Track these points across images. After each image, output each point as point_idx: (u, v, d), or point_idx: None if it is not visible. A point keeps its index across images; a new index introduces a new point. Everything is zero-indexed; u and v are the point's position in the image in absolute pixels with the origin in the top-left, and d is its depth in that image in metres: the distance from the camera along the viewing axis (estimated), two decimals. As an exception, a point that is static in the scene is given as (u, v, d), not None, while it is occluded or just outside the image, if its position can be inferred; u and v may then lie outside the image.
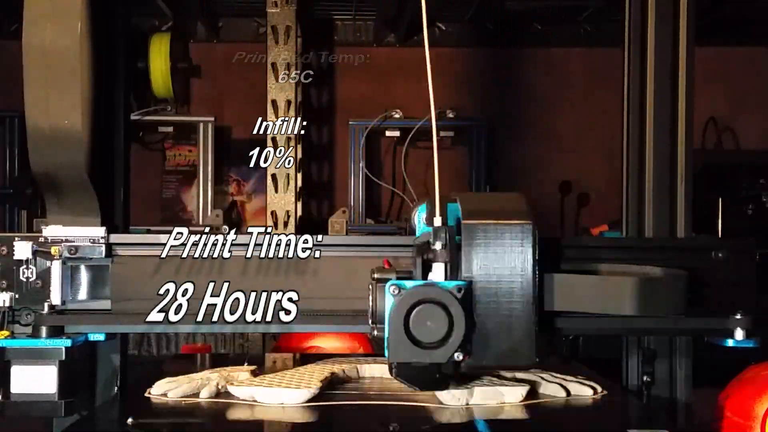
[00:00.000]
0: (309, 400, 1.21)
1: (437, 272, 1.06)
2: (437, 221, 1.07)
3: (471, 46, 3.81)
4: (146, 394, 1.27)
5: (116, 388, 1.39)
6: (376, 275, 1.07)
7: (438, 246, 1.06)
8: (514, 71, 3.87)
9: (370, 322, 1.07)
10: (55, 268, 1.27)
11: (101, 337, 1.28)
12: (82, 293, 1.30)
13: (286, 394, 1.21)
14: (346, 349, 1.86)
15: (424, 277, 1.06)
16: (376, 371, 1.41)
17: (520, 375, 1.30)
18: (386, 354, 1.03)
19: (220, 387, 1.28)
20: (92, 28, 1.24)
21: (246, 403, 1.23)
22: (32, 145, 1.21)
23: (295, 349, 1.86)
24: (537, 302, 1.06)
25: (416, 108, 3.61)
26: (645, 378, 1.49)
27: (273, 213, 3.19)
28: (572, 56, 3.89)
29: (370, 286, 1.07)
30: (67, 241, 1.28)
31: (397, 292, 1.02)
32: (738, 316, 1.24)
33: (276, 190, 3.19)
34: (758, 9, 3.42)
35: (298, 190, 3.26)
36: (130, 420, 1.13)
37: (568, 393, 1.28)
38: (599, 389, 1.31)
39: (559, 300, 1.14)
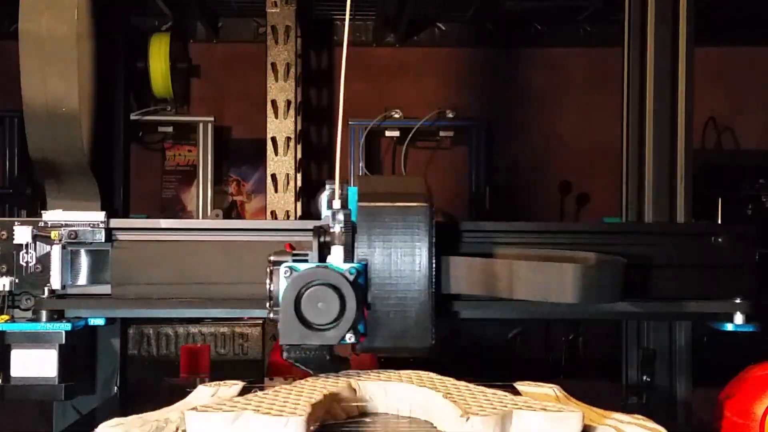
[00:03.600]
0: None
1: (336, 255, 1.06)
2: (336, 204, 1.08)
3: (471, 46, 3.81)
4: None
5: (117, 375, 1.39)
6: (272, 258, 1.08)
7: (336, 228, 1.07)
8: (514, 71, 3.87)
9: (267, 305, 1.07)
10: (55, 252, 1.28)
11: (101, 322, 1.29)
12: (82, 278, 1.31)
13: None
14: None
15: (322, 260, 1.06)
16: (376, 391, 1.11)
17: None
18: (280, 338, 1.03)
19: (180, 431, 1.00)
20: (90, 16, 1.25)
21: None
22: (30, 131, 1.22)
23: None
24: (432, 285, 1.06)
25: (416, 108, 3.61)
26: (645, 378, 1.49)
27: (273, 213, 3.19)
28: (572, 56, 3.89)
29: (268, 269, 1.07)
30: (67, 225, 1.29)
31: (289, 274, 1.03)
32: (737, 301, 1.25)
33: (276, 190, 3.19)
34: (758, 9, 3.42)
35: (297, 190, 3.26)
36: None
37: None
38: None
39: (455, 283, 1.14)
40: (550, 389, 1.15)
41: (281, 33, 3.23)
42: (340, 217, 1.07)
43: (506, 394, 1.04)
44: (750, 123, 3.85)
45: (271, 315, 1.07)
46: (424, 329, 1.06)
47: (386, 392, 1.11)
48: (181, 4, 3.52)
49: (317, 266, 1.04)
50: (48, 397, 1.24)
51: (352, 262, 1.06)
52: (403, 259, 1.06)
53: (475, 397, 1.02)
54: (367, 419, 1.08)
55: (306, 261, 1.06)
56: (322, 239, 1.07)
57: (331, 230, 1.07)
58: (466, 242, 1.27)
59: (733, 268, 1.31)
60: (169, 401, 1.10)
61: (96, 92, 1.28)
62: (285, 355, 1.07)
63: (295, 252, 1.09)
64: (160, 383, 1.53)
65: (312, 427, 0.96)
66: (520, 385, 1.16)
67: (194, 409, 0.96)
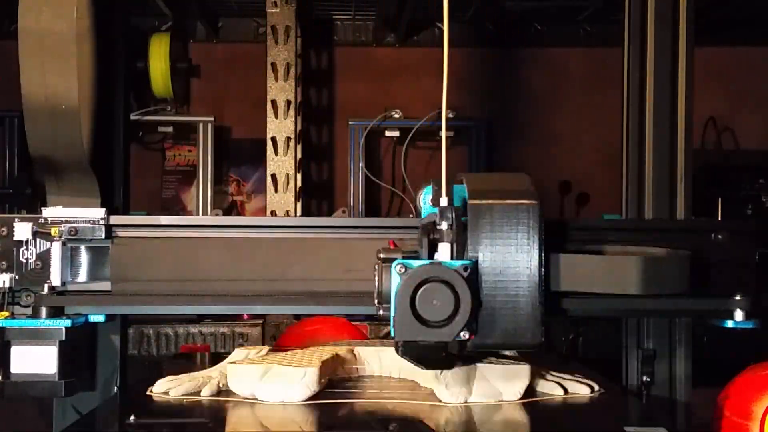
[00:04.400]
0: (309, 399, 1.22)
1: (443, 252, 1.06)
2: (443, 201, 1.08)
3: (471, 46, 3.81)
4: (148, 392, 1.27)
5: (117, 375, 1.39)
6: (382, 255, 1.08)
7: (444, 226, 1.06)
8: (514, 71, 3.87)
9: (375, 302, 1.08)
10: (55, 249, 1.29)
11: (101, 318, 1.30)
12: (82, 274, 1.31)
13: (286, 391, 1.22)
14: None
15: (430, 257, 1.06)
16: (372, 357, 1.42)
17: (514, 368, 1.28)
18: (392, 333, 1.04)
19: (221, 385, 1.29)
20: (90, 14, 1.25)
21: (247, 401, 1.23)
22: (30, 128, 1.22)
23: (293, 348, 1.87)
24: (542, 282, 1.07)
25: (416, 108, 3.60)
26: (645, 378, 1.49)
27: (273, 213, 3.19)
28: (572, 56, 3.89)
29: (376, 266, 1.08)
30: (67, 222, 1.29)
31: (403, 271, 1.03)
32: (738, 297, 1.25)
33: (276, 190, 3.19)
34: (758, 9, 3.42)
35: (297, 190, 3.26)
36: (132, 418, 1.14)
37: (566, 391, 1.29)
38: (597, 388, 1.32)
39: (565, 280, 1.16)
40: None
41: (281, 33, 3.23)
42: (449, 214, 1.07)
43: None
44: (750, 123, 3.85)
45: (381, 312, 1.07)
46: (534, 326, 1.06)
47: (380, 358, 1.42)
48: (181, 4, 3.52)
49: (431, 263, 1.04)
50: (48, 393, 1.24)
51: (460, 259, 1.06)
52: (513, 256, 1.06)
53: None
54: (365, 378, 1.40)
55: (415, 258, 1.06)
56: (431, 237, 1.07)
57: (439, 228, 1.07)
58: (573, 240, 1.28)
59: (733, 265, 1.31)
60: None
61: (96, 90, 1.29)
62: (400, 351, 1.08)
63: (405, 250, 1.09)
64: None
65: (322, 380, 1.26)
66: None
67: (233, 363, 1.30)
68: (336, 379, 1.36)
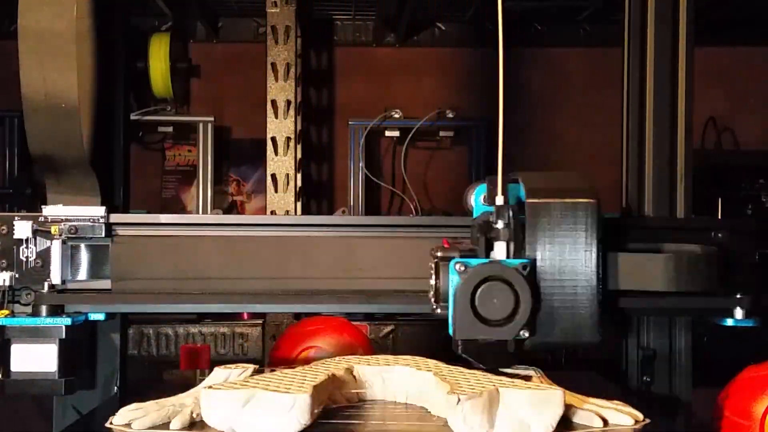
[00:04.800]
0: None
1: (499, 251, 1.06)
2: (499, 200, 1.08)
3: (471, 46, 3.81)
4: (107, 424, 1.09)
5: (117, 374, 1.39)
6: (439, 254, 1.08)
7: (500, 224, 1.07)
8: (514, 71, 3.87)
9: (432, 300, 1.07)
10: (55, 247, 1.29)
11: (101, 317, 1.30)
12: (82, 273, 1.31)
13: (272, 424, 1.02)
14: (346, 348, 1.85)
15: (487, 256, 1.06)
16: (375, 379, 1.24)
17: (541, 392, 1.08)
18: (451, 332, 1.03)
19: (195, 415, 1.09)
20: (90, 13, 1.25)
21: None
22: (30, 126, 1.23)
23: (293, 348, 1.86)
24: (600, 281, 1.07)
25: (416, 108, 3.61)
26: (645, 378, 1.49)
27: (272, 213, 3.19)
28: (572, 56, 3.89)
29: (433, 265, 1.07)
30: (67, 220, 1.29)
31: (463, 269, 1.03)
32: (738, 296, 1.25)
33: (276, 190, 3.19)
34: (758, 9, 3.42)
35: (297, 190, 3.26)
36: None
37: (606, 423, 1.11)
38: (641, 417, 1.13)
39: (622, 279, 1.15)
40: (531, 370, 1.23)
41: (281, 33, 3.22)
42: (506, 213, 1.07)
43: (493, 376, 1.12)
44: (750, 123, 3.85)
45: (438, 311, 1.07)
46: (592, 325, 1.07)
47: (384, 380, 1.23)
48: (181, 4, 3.52)
49: (490, 262, 1.05)
50: (48, 392, 1.24)
51: (517, 257, 1.06)
52: (571, 254, 1.06)
53: (467, 379, 1.11)
54: (366, 405, 1.20)
55: (473, 257, 1.06)
56: (488, 235, 1.07)
57: (495, 226, 1.07)
58: (630, 238, 1.28)
59: (733, 263, 1.31)
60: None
61: (96, 89, 1.29)
62: (461, 349, 1.07)
63: (463, 248, 1.09)
64: (161, 379, 1.54)
65: (315, 410, 1.05)
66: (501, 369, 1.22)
67: (209, 387, 1.07)
68: (333, 407, 1.16)
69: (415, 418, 1.14)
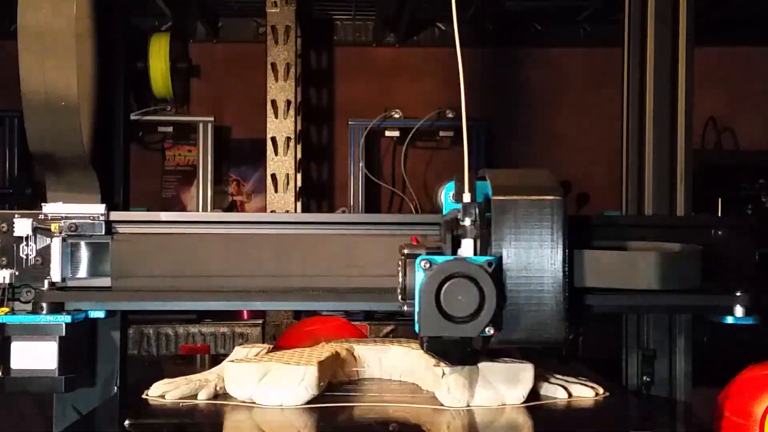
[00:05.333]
0: (308, 402, 1.21)
1: (466, 248, 1.07)
2: (466, 197, 1.09)
3: (471, 46, 3.80)
4: (143, 396, 1.26)
5: (117, 374, 1.39)
6: (405, 251, 1.08)
7: (467, 222, 1.07)
8: (514, 71, 3.87)
9: (399, 297, 1.08)
10: (55, 245, 1.29)
11: (101, 314, 1.30)
12: (83, 270, 1.31)
13: (285, 394, 1.20)
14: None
15: (454, 253, 1.07)
16: (372, 359, 1.41)
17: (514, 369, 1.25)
18: (417, 329, 1.04)
19: (218, 388, 1.27)
20: (90, 11, 1.25)
21: (244, 405, 1.22)
22: (29, 124, 1.23)
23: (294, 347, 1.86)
24: (567, 278, 1.07)
25: (416, 108, 3.61)
26: (645, 378, 1.49)
27: (273, 213, 3.19)
28: (572, 56, 3.89)
29: (400, 262, 1.08)
30: (67, 218, 1.29)
31: (428, 266, 1.04)
32: (738, 293, 1.25)
33: (276, 190, 3.19)
34: (758, 9, 3.42)
35: (297, 190, 3.26)
36: (126, 422, 1.13)
37: (570, 395, 1.28)
38: (601, 391, 1.30)
39: (589, 276, 1.16)
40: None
41: (281, 33, 3.22)
42: (473, 210, 1.07)
43: None
44: (750, 123, 3.85)
45: (405, 308, 1.08)
46: (558, 322, 1.07)
47: (380, 360, 1.41)
48: (181, 4, 3.52)
49: (456, 259, 1.05)
50: (48, 389, 1.25)
51: (484, 255, 1.07)
52: (537, 252, 1.07)
53: None
54: (365, 381, 1.39)
55: (439, 254, 1.06)
56: (454, 232, 1.07)
57: (462, 223, 1.07)
58: (597, 236, 1.28)
59: (733, 261, 1.31)
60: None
61: (96, 88, 1.29)
62: (425, 346, 1.08)
63: (429, 246, 1.09)
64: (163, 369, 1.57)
65: (322, 384, 1.24)
66: None
67: (232, 361, 1.28)
68: (335, 382, 1.34)
69: (408, 392, 1.31)
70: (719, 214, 3.00)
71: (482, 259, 1.04)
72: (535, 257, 1.06)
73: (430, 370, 1.27)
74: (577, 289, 1.15)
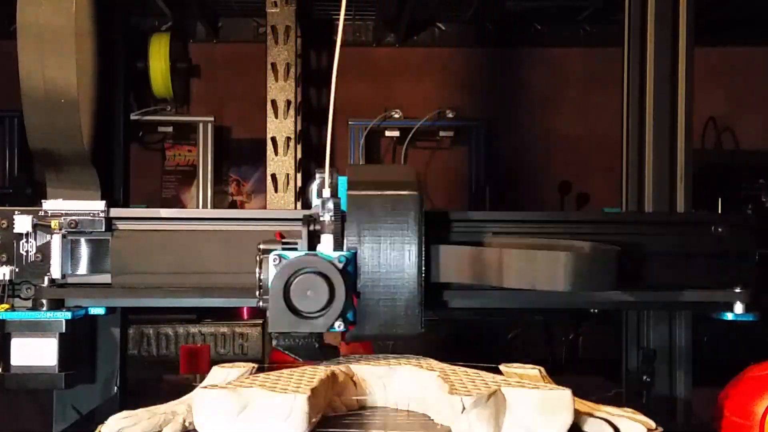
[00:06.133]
0: None
1: (326, 243, 1.07)
2: (326, 192, 1.09)
3: (471, 46, 3.81)
4: None
5: (117, 374, 1.39)
6: (262, 246, 1.08)
7: (326, 217, 1.07)
8: (514, 71, 3.87)
9: (257, 293, 1.08)
10: (55, 241, 1.29)
11: (101, 311, 1.30)
12: (82, 267, 1.31)
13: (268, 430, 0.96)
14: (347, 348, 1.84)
15: (312, 248, 1.07)
16: (376, 385, 1.16)
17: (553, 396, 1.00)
18: (269, 324, 1.04)
19: (187, 423, 1.04)
20: (89, 10, 1.25)
21: None
22: (29, 121, 1.23)
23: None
24: (422, 273, 1.07)
25: (416, 108, 3.61)
26: (645, 378, 1.49)
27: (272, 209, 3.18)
28: (572, 56, 3.89)
29: (257, 258, 1.08)
30: (67, 214, 1.29)
31: (278, 261, 1.04)
32: (737, 290, 1.25)
33: (276, 190, 3.19)
34: (758, 9, 3.42)
35: (297, 190, 3.26)
36: None
37: (617, 430, 1.04)
38: (653, 425, 1.05)
39: (446, 272, 1.15)
40: (535, 370, 1.16)
41: (281, 33, 3.23)
42: (330, 205, 1.08)
43: (500, 377, 1.06)
44: (750, 123, 3.85)
45: (261, 303, 1.08)
46: (413, 317, 1.08)
47: (385, 386, 1.15)
48: (181, 4, 3.52)
49: (306, 254, 1.05)
50: (48, 385, 1.25)
51: (342, 250, 1.07)
52: (392, 247, 1.07)
53: (473, 381, 1.04)
54: (367, 412, 1.13)
55: (296, 249, 1.07)
56: (311, 228, 1.08)
57: (321, 219, 1.08)
58: (456, 232, 1.28)
59: (733, 258, 1.31)
60: (170, 400, 1.11)
61: (96, 85, 1.29)
62: (274, 342, 1.08)
63: (285, 240, 1.10)
64: (160, 382, 1.53)
65: (314, 419, 0.99)
66: (504, 367, 1.17)
67: (204, 387, 1.00)
68: (331, 416, 1.09)
69: (418, 427, 1.07)
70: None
71: (334, 255, 1.04)
72: (391, 252, 1.07)
73: (444, 400, 1.00)
74: (434, 285, 1.15)
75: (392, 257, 1.07)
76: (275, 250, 1.06)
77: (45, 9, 1.20)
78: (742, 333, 1.91)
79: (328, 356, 1.14)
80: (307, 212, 1.13)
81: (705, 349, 1.61)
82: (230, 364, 1.19)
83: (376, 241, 1.07)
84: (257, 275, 1.08)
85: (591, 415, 1.05)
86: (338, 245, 1.07)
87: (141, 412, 1.06)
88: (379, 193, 1.09)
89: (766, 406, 1.18)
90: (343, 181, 1.13)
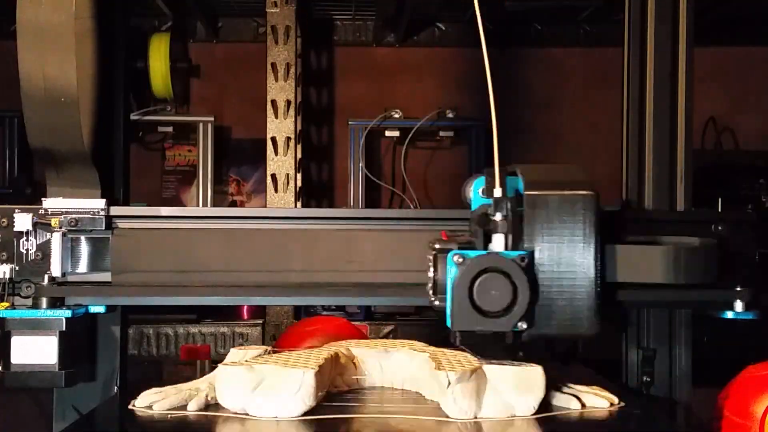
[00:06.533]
0: (305, 414, 1.12)
1: (497, 243, 1.06)
2: (497, 192, 1.08)
3: (471, 46, 3.80)
4: (130, 407, 1.18)
5: (117, 373, 1.39)
6: (437, 246, 1.08)
7: (498, 217, 1.07)
8: (514, 71, 3.87)
9: (430, 292, 1.08)
10: (56, 240, 1.29)
11: (102, 309, 1.30)
12: (83, 265, 1.31)
13: (281, 405, 1.11)
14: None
15: (485, 248, 1.06)
16: (374, 366, 1.33)
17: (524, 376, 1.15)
18: (449, 323, 1.04)
19: (209, 398, 1.18)
20: (89, 8, 1.25)
21: (237, 417, 1.13)
22: (29, 119, 1.23)
23: (293, 347, 1.86)
24: (599, 273, 1.07)
25: (416, 108, 3.60)
26: (645, 378, 1.49)
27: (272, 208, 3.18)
28: (572, 56, 3.89)
29: (430, 257, 1.08)
30: (67, 213, 1.29)
31: (461, 261, 1.03)
32: (738, 288, 1.25)
33: (276, 190, 3.19)
34: (758, 9, 3.42)
35: (297, 190, 3.26)
36: None
37: (583, 405, 1.19)
38: (616, 401, 1.21)
39: (621, 271, 1.16)
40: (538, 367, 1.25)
41: (281, 33, 3.22)
42: (505, 205, 1.07)
43: (484, 361, 1.17)
44: (750, 123, 3.85)
45: (436, 302, 1.07)
46: (591, 317, 1.07)
47: (382, 367, 1.31)
48: (181, 4, 3.52)
49: (489, 253, 1.05)
50: (48, 384, 1.25)
51: (518, 250, 1.06)
52: (569, 247, 1.06)
53: (460, 362, 1.17)
54: (366, 390, 1.29)
55: (471, 249, 1.06)
56: (485, 227, 1.07)
57: (493, 218, 1.07)
58: (629, 230, 1.28)
59: (733, 256, 1.31)
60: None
61: (96, 83, 1.29)
62: (458, 341, 1.07)
63: (457, 240, 1.09)
64: (162, 374, 1.54)
65: (320, 393, 1.14)
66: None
67: (225, 364, 1.17)
68: (334, 392, 1.26)
69: (411, 402, 1.22)
70: (719, 214, 3.00)
71: (515, 254, 1.04)
72: (568, 252, 1.06)
73: (434, 378, 1.16)
74: (609, 284, 1.15)
75: (569, 257, 1.06)
76: (452, 249, 1.05)
77: (45, 7, 1.20)
78: (742, 333, 1.91)
79: (508, 356, 1.16)
80: (474, 212, 1.13)
81: (705, 349, 1.60)
82: (246, 346, 1.33)
83: (552, 241, 1.06)
84: (431, 275, 1.08)
85: (560, 390, 1.20)
86: (514, 245, 1.06)
87: (168, 389, 1.20)
88: (556, 192, 1.08)
89: (766, 406, 1.18)
90: (510, 180, 1.12)
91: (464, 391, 1.10)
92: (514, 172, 1.14)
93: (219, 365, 1.20)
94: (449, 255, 1.04)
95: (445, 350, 1.28)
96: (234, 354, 1.29)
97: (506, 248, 1.06)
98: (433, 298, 1.08)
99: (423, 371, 1.25)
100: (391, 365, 1.32)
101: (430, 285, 1.09)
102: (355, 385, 1.31)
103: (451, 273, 1.04)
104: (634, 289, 1.20)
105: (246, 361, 1.22)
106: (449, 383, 1.09)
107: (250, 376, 1.13)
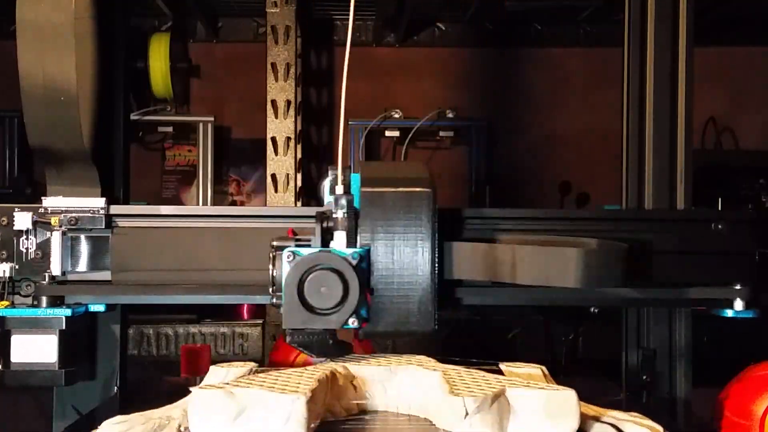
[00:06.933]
0: None
1: (338, 240, 1.07)
2: (339, 189, 1.09)
3: (471, 46, 3.81)
4: None
5: (117, 373, 1.39)
6: (275, 243, 1.08)
7: (339, 214, 1.07)
8: (514, 71, 3.87)
9: (270, 290, 1.08)
10: (55, 238, 1.29)
11: (101, 308, 1.30)
12: (82, 264, 1.31)
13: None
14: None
15: (325, 245, 1.07)
16: (376, 389, 1.11)
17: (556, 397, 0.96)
18: (283, 322, 1.04)
19: (182, 428, 1.00)
20: (89, 8, 1.25)
21: None
22: (29, 118, 1.23)
23: (293, 349, 1.85)
24: (435, 270, 1.07)
25: (416, 108, 3.60)
26: (645, 378, 1.49)
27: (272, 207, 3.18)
28: (572, 56, 3.89)
29: (270, 255, 1.08)
30: (67, 211, 1.29)
31: (292, 258, 1.04)
32: (737, 287, 1.25)
33: (276, 190, 3.19)
34: (758, 9, 3.42)
35: (297, 190, 3.26)
36: None
37: None
38: (660, 430, 1.01)
39: (458, 268, 1.15)
40: (536, 369, 1.15)
41: (281, 33, 3.22)
42: (343, 202, 1.08)
43: (504, 378, 1.04)
44: (750, 123, 3.85)
45: (274, 300, 1.07)
46: (427, 314, 1.07)
47: (385, 389, 1.11)
48: (181, 4, 3.52)
49: (320, 251, 1.05)
50: (48, 382, 1.25)
51: (355, 247, 1.07)
52: (406, 244, 1.07)
53: (476, 381, 1.02)
54: (367, 417, 1.09)
55: (309, 246, 1.07)
56: (324, 225, 1.07)
57: (334, 216, 1.08)
58: (468, 229, 1.28)
59: (733, 255, 1.31)
60: (170, 401, 1.09)
61: (96, 83, 1.29)
62: (288, 339, 1.07)
63: (297, 237, 1.10)
64: (160, 382, 1.53)
65: (313, 425, 0.96)
66: (505, 366, 1.16)
67: (201, 387, 0.97)
68: (331, 420, 1.05)
69: (420, 431, 1.03)
70: (719, 214, 3.00)
71: (348, 252, 1.04)
72: (404, 249, 1.06)
73: (448, 404, 0.96)
74: (447, 282, 1.15)
75: (406, 254, 1.07)
76: (288, 246, 1.05)
77: (44, 6, 1.20)
78: (742, 333, 1.91)
79: (341, 353, 1.14)
80: (319, 209, 1.13)
81: (705, 348, 1.60)
82: (229, 364, 1.16)
83: (389, 238, 1.07)
84: (270, 272, 1.08)
85: (597, 419, 1.01)
86: (351, 242, 1.07)
87: (135, 417, 1.02)
88: (392, 189, 1.08)
89: (766, 406, 1.18)
90: (355, 178, 1.13)
91: (485, 422, 0.92)
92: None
93: (193, 389, 0.98)
94: (283, 252, 1.04)
95: (458, 367, 1.11)
96: (214, 373, 1.13)
97: (348, 246, 1.06)
98: (271, 296, 1.08)
99: (434, 394, 1.04)
100: (395, 387, 1.11)
101: (270, 283, 1.08)
102: (356, 410, 1.10)
103: (285, 270, 1.04)
104: (471, 287, 1.20)
105: (226, 384, 1.00)
106: (467, 413, 0.92)
107: (230, 403, 0.93)
